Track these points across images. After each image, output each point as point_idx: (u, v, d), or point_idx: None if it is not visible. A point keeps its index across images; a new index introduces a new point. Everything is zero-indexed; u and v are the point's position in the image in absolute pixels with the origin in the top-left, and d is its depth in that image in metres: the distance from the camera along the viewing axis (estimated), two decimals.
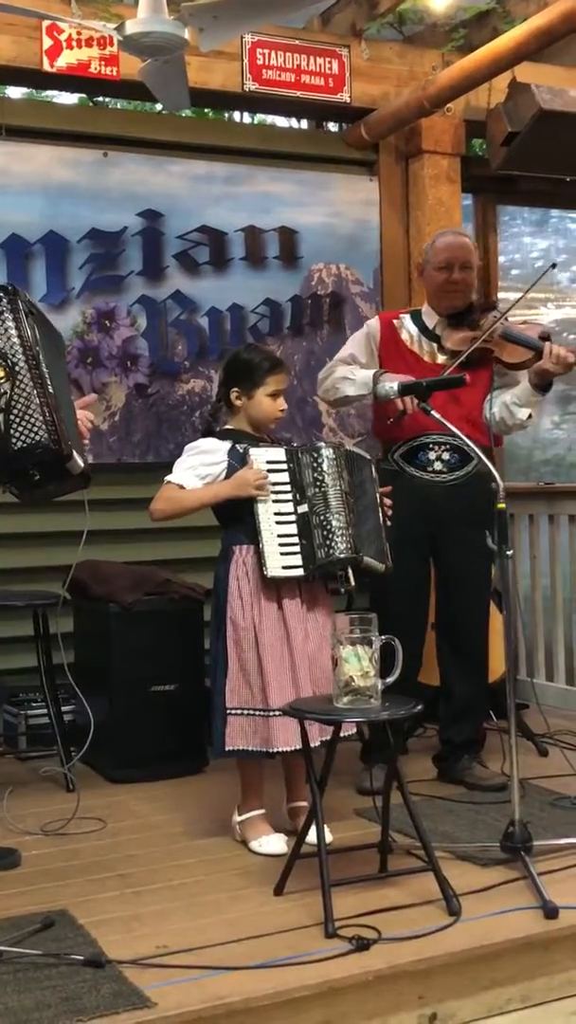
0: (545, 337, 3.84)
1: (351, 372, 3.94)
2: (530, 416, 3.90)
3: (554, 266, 4.16)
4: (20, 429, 2.75)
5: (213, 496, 3.31)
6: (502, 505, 3.09)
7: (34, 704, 4.50)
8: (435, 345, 3.95)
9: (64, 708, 4.24)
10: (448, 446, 3.85)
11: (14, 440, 2.74)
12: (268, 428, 3.45)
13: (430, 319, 4.00)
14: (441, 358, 3.91)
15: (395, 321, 4.04)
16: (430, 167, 5.37)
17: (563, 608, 5.10)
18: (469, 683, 3.97)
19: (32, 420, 2.76)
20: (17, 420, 2.74)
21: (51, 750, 4.20)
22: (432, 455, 3.87)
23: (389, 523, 3.46)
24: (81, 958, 2.49)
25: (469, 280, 3.94)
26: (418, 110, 5.10)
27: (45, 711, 4.25)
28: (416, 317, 4.03)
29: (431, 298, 4.02)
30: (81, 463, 2.93)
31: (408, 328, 4.00)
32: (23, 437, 2.75)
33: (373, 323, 4.10)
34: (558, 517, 5.14)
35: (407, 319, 4.03)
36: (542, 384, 3.81)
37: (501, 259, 6.14)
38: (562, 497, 5.18)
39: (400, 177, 5.47)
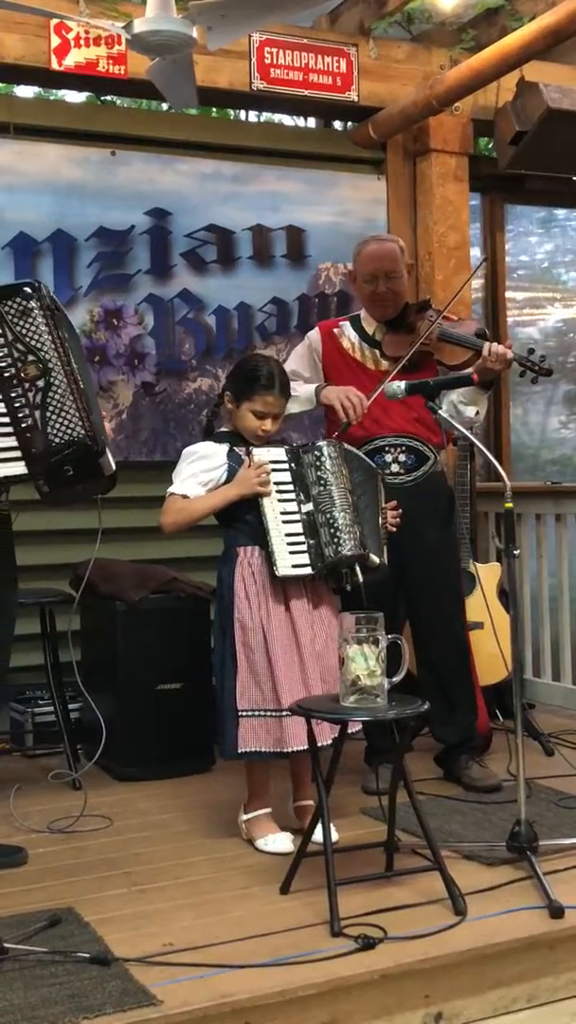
0: (482, 335, 3.84)
1: (294, 389, 3.89)
2: (477, 413, 3.88)
3: (486, 260, 4.15)
4: (57, 425, 2.78)
5: (222, 500, 3.32)
6: (509, 504, 3.08)
7: (41, 702, 4.51)
8: (377, 352, 3.93)
9: (71, 706, 4.25)
10: (403, 447, 3.86)
11: (51, 436, 2.77)
12: (254, 440, 3.42)
13: (369, 325, 3.98)
14: (384, 364, 3.88)
15: (335, 330, 4.01)
16: (438, 166, 5.37)
17: (570, 608, 5.09)
18: (447, 684, 3.93)
19: (68, 416, 2.79)
20: (54, 416, 2.77)
21: (58, 748, 4.21)
22: (388, 457, 3.86)
23: (393, 529, 3.45)
24: (87, 956, 2.50)
25: (396, 289, 3.91)
26: (426, 109, 5.09)
27: (52, 709, 4.26)
28: (356, 323, 4.01)
29: (364, 306, 4.01)
30: (112, 463, 2.96)
31: (349, 336, 3.98)
32: (60, 433, 2.78)
33: (314, 335, 4.06)
34: (565, 516, 5.13)
35: (347, 326, 4.01)
36: (484, 381, 3.77)
37: (508, 260, 6.13)
38: (569, 496, 5.18)
39: (408, 176, 5.47)
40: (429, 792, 3.73)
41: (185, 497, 3.33)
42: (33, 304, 2.85)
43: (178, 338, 5.02)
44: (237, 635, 3.27)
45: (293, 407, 3.87)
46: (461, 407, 3.86)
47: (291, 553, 3.25)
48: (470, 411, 3.86)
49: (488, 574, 4.59)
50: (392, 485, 3.78)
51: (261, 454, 3.32)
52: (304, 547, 3.27)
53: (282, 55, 5.04)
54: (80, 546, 4.58)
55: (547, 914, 2.72)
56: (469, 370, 3.73)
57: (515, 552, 3.10)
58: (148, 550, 4.68)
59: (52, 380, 2.80)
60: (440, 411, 3.38)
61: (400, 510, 3.48)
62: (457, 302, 4.24)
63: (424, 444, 3.89)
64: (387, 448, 3.87)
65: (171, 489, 3.37)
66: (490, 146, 5.76)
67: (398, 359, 3.82)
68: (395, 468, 3.86)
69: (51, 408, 2.79)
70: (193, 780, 4.11)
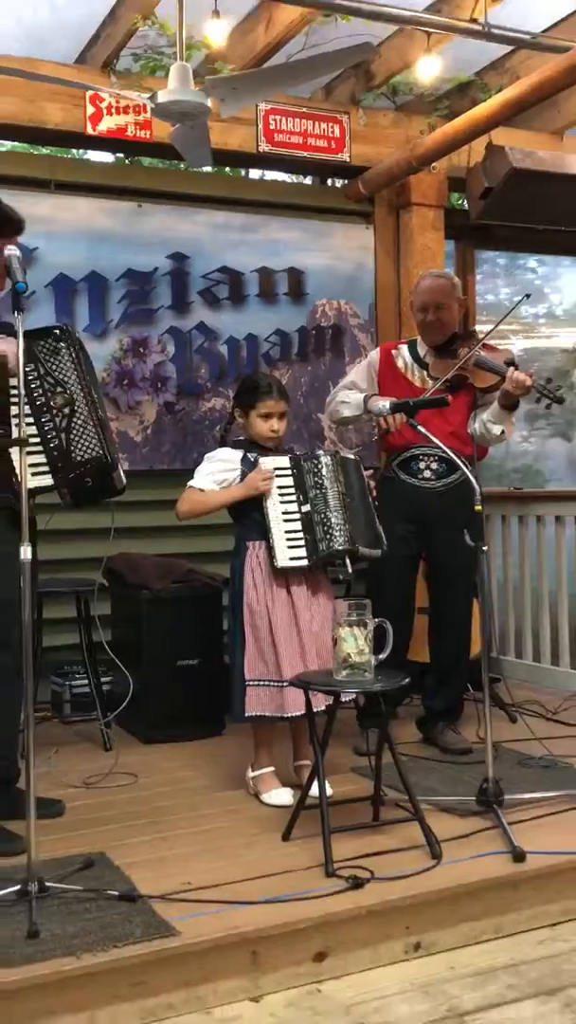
0: (510, 363, 3.80)
1: (347, 396, 3.94)
2: (503, 432, 3.86)
3: (528, 296, 4.11)
4: (80, 445, 2.84)
5: (230, 497, 3.33)
6: (479, 507, 3.08)
7: (77, 676, 4.51)
8: (424, 372, 3.92)
9: (103, 679, 4.25)
10: (436, 457, 3.82)
11: (75, 454, 2.83)
12: (268, 443, 3.42)
13: (422, 348, 3.97)
14: (430, 383, 3.87)
15: (394, 351, 4.02)
16: (418, 217, 5.36)
17: (530, 596, 5.09)
18: (448, 660, 3.96)
19: (88, 438, 2.86)
20: (76, 438, 2.84)
21: (91, 716, 4.20)
22: (422, 464, 3.85)
23: (376, 503, 3.45)
24: (117, 893, 2.51)
25: (444, 319, 3.89)
26: (408, 168, 5.09)
27: (86, 682, 4.26)
28: (412, 347, 4.00)
29: (418, 331, 4.01)
30: (123, 478, 3.02)
31: (404, 357, 3.98)
32: (82, 451, 2.84)
33: (375, 353, 4.08)
34: (527, 518, 5.13)
35: (404, 349, 4.01)
36: (508, 404, 3.77)
37: (477, 299, 6.12)
38: (530, 500, 5.18)
39: (392, 226, 5.46)
40: (410, 754, 3.73)
41: (201, 491, 3.35)
42: (62, 344, 2.91)
43: (195, 364, 5.02)
44: (246, 617, 3.27)
45: (346, 411, 3.94)
46: (489, 425, 3.84)
47: (290, 547, 3.25)
48: (496, 429, 3.83)
49: None
50: (424, 488, 3.79)
51: (267, 462, 3.33)
52: (302, 542, 3.27)
53: (284, 121, 5.04)
54: (109, 542, 4.58)
55: (511, 859, 2.72)
56: (444, 395, 3.71)
57: (484, 548, 3.11)
58: (169, 545, 4.68)
59: (76, 408, 2.86)
60: (419, 427, 3.37)
61: (373, 472, 3.53)
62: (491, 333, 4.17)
63: (457, 455, 3.83)
64: (422, 456, 3.85)
65: (190, 483, 3.39)
66: (462, 200, 5.76)
67: (439, 379, 3.82)
68: (427, 475, 3.84)
69: (74, 431, 2.85)
70: (207, 743, 4.10)
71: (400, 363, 3.97)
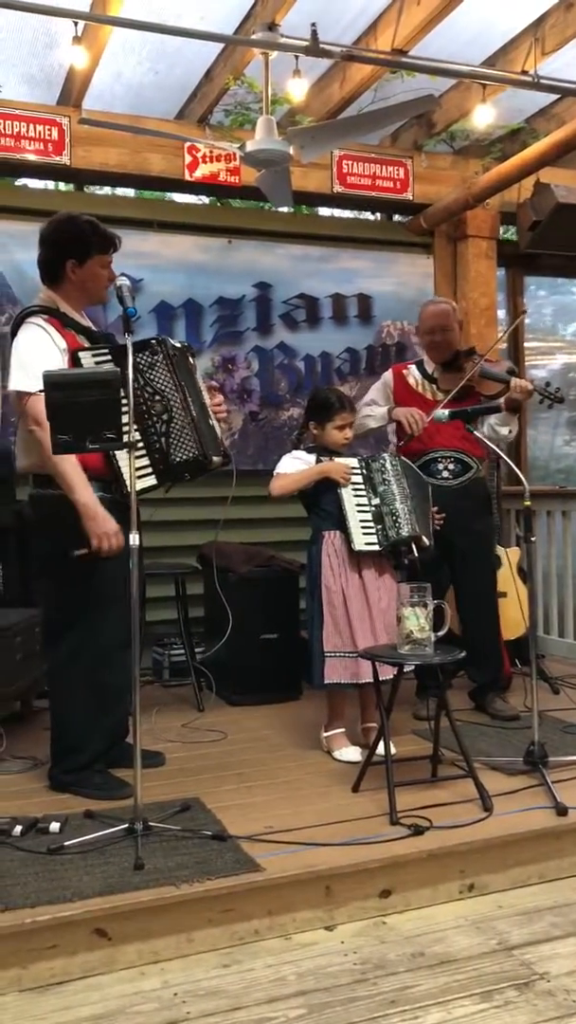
0: (512, 372, 3.78)
1: (371, 411, 3.93)
2: (510, 431, 3.81)
3: (524, 312, 4.07)
4: (177, 447, 2.82)
5: (311, 475, 3.35)
6: (527, 503, 3.04)
7: (175, 646, 4.56)
8: (434, 386, 3.90)
9: (196, 650, 4.29)
10: (452, 459, 3.82)
11: (172, 456, 2.82)
12: (341, 449, 3.43)
13: (429, 366, 3.95)
14: (440, 395, 3.84)
15: (404, 371, 3.99)
16: (473, 248, 5.30)
17: (572, 582, 5.00)
18: (481, 638, 3.86)
19: (185, 440, 2.83)
20: (175, 441, 2.83)
21: (187, 681, 4.25)
22: (440, 466, 3.82)
23: (439, 527, 3.41)
24: (210, 834, 2.54)
25: (449, 339, 3.88)
26: (464, 205, 5.04)
27: (183, 651, 4.31)
28: (420, 366, 3.98)
29: (425, 351, 3.98)
30: (221, 460, 2.98)
31: (414, 375, 3.95)
32: (179, 453, 2.83)
33: (388, 375, 4.04)
34: (570, 512, 5.04)
35: (413, 368, 3.98)
36: (512, 407, 3.73)
37: (526, 320, 6.03)
38: (573, 497, 5.08)
39: (450, 255, 5.41)
40: (464, 719, 3.69)
41: (287, 474, 3.38)
42: (159, 357, 2.85)
43: (276, 378, 5.04)
44: (324, 596, 3.27)
45: (372, 424, 3.92)
46: (497, 428, 3.81)
47: (364, 534, 3.25)
48: (504, 430, 3.81)
49: (511, 556, 4.53)
50: (443, 487, 3.76)
51: (341, 462, 3.34)
52: (374, 530, 3.26)
53: (355, 165, 5.02)
54: (203, 532, 4.62)
55: (554, 813, 2.69)
56: (498, 401, 3.68)
57: (532, 539, 3.06)
58: (253, 535, 4.71)
59: (173, 414, 2.82)
60: (475, 431, 3.34)
61: (443, 514, 3.45)
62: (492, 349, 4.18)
63: (468, 456, 3.84)
64: (439, 459, 3.83)
65: (276, 471, 3.42)
66: (508, 233, 5.67)
67: (449, 391, 3.79)
68: (445, 475, 3.82)
69: (172, 435, 2.82)
70: (286, 706, 4.12)
71: (412, 380, 3.94)
